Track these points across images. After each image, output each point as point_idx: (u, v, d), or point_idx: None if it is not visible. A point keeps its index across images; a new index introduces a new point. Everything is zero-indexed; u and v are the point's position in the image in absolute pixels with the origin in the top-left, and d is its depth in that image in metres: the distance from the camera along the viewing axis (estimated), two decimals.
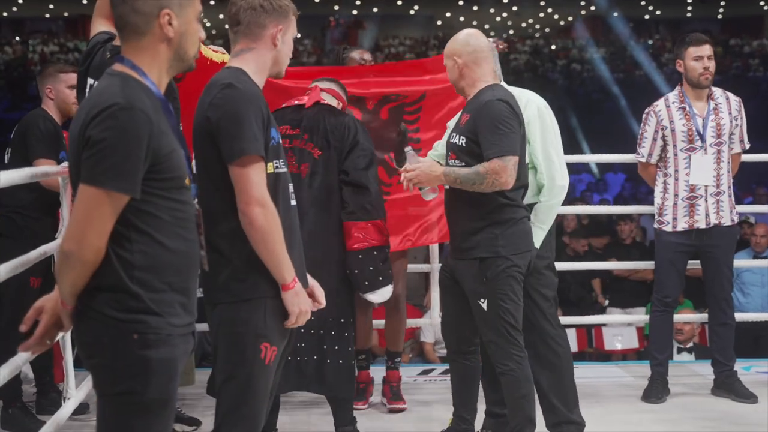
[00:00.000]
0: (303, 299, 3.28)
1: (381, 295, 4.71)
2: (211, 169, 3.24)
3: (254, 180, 3.14)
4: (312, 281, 3.52)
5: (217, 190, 3.23)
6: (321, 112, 4.75)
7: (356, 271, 4.59)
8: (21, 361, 3.87)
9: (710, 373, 5.81)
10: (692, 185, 5.54)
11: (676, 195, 5.59)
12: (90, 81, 4.33)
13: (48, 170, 4.44)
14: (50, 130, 5.29)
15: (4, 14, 39.72)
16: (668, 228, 5.62)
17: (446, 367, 6.53)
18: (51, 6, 38.51)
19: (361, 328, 5.42)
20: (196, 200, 2.97)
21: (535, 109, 4.65)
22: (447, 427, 4.74)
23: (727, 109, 5.62)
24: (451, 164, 4.40)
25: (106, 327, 2.59)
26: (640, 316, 8.37)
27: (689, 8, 39.60)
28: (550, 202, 4.65)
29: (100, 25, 4.54)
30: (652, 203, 5.80)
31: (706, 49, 5.57)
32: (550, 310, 4.74)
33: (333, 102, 4.87)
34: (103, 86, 2.65)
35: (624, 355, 8.89)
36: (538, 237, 4.63)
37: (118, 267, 2.58)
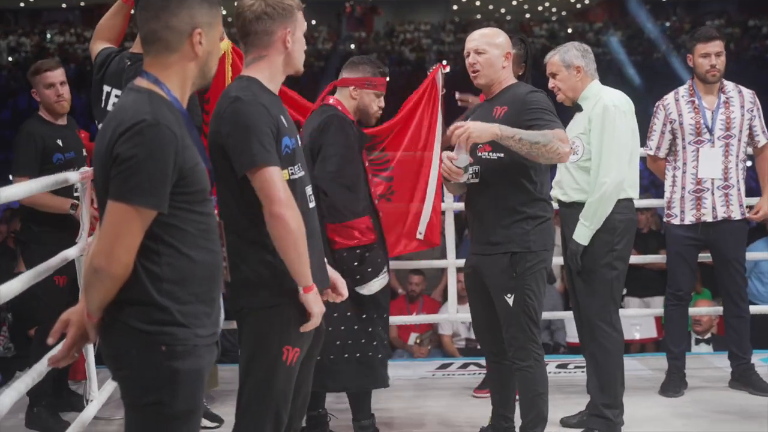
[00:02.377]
0: (320, 302, 3.38)
1: (369, 288, 4.72)
2: (227, 180, 3.33)
3: (277, 183, 3.22)
4: (333, 273, 3.65)
5: (235, 200, 3.33)
6: (314, 113, 4.79)
7: (344, 268, 4.61)
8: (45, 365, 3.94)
9: (728, 365, 5.84)
10: (699, 178, 5.56)
11: (683, 188, 5.61)
12: (107, 88, 4.37)
13: (54, 179, 4.46)
14: (29, 149, 5.32)
15: (21, 5, 39.86)
16: (676, 221, 5.65)
17: (464, 361, 6.63)
18: None
19: None
20: (217, 211, 3.04)
21: (601, 107, 4.80)
22: (487, 425, 4.79)
23: (739, 102, 5.62)
24: (483, 156, 4.40)
25: (133, 339, 2.64)
26: (657, 309, 8.41)
27: None
28: (590, 199, 4.78)
29: (101, 45, 4.59)
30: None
31: (714, 46, 5.58)
32: (602, 309, 4.84)
33: (343, 95, 4.84)
34: (128, 102, 2.69)
35: (642, 345, 8.91)
36: (582, 233, 4.79)
37: (145, 280, 2.63)
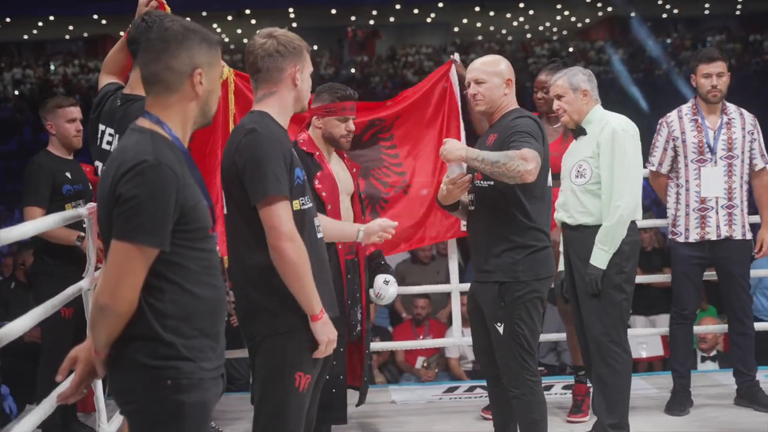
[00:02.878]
0: (330, 329, 3.47)
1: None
2: (241, 209, 3.45)
3: (281, 217, 3.35)
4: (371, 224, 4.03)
5: (249, 229, 3.44)
6: None
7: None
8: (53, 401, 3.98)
9: (734, 382, 5.85)
10: (703, 197, 5.60)
11: (687, 206, 5.64)
12: (101, 127, 4.47)
13: (69, 215, 4.52)
14: (39, 181, 5.47)
15: (25, 37, 40.10)
16: (681, 239, 5.68)
17: (472, 383, 6.65)
18: (70, 27, 38.85)
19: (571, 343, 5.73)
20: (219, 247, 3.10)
21: (609, 132, 4.87)
22: None
23: (741, 124, 5.68)
24: (476, 184, 4.48)
25: (140, 374, 2.70)
26: (663, 328, 8.43)
27: (707, 5, 39.52)
28: (606, 224, 4.84)
29: (108, 79, 4.69)
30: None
31: (715, 67, 5.64)
32: (611, 329, 4.89)
33: (312, 127, 4.92)
34: (130, 143, 2.76)
35: (650, 363, 8.92)
36: (600, 258, 4.85)
37: (150, 316, 2.69)
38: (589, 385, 5.60)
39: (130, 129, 2.83)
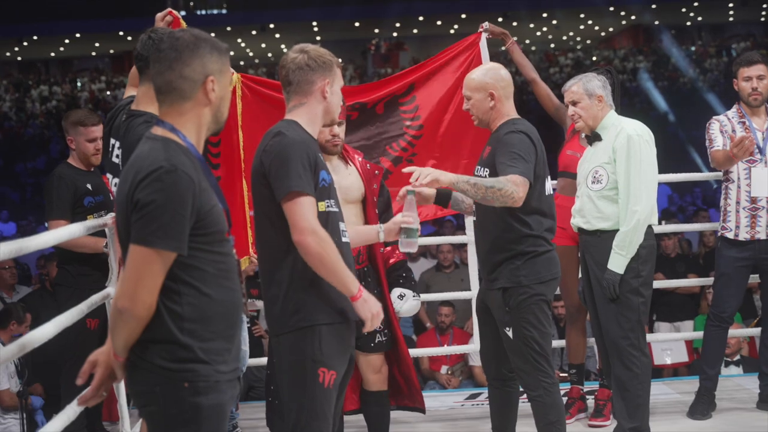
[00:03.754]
0: (372, 303, 3.55)
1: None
2: (267, 207, 3.56)
3: (303, 212, 3.45)
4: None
5: (273, 227, 3.56)
6: None
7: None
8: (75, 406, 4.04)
9: (756, 386, 5.84)
10: (753, 197, 5.60)
11: (738, 203, 5.64)
12: (112, 141, 4.52)
13: (92, 224, 4.59)
14: (63, 193, 5.55)
15: (52, 54, 40.46)
16: (731, 235, 5.66)
17: None
18: (97, 44, 39.17)
19: (576, 343, 5.78)
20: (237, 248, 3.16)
21: (624, 138, 4.90)
22: None
23: None
24: None
25: (157, 377, 2.76)
26: (687, 333, 8.45)
27: (731, 12, 39.31)
28: (624, 229, 4.86)
29: (131, 92, 4.77)
30: (696, 218, 5.84)
31: (756, 70, 5.66)
32: (630, 333, 4.91)
33: None
34: (146, 150, 2.82)
35: (675, 369, 8.90)
36: (618, 263, 4.87)
37: (168, 320, 2.75)
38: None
39: (146, 137, 2.89)
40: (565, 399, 5.89)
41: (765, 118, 5.71)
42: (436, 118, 5.87)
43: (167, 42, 2.89)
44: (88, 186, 5.62)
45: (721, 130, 5.70)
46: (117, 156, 4.45)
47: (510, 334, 4.47)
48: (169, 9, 4.92)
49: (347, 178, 4.88)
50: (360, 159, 5.01)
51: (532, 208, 4.43)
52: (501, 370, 4.70)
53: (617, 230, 4.90)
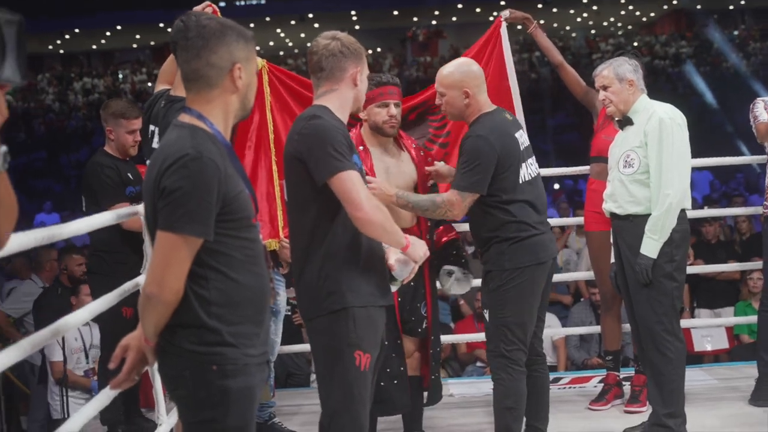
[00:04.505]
0: (420, 245, 3.66)
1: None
2: (301, 193, 3.61)
3: (356, 187, 3.49)
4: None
5: (307, 211, 3.59)
6: None
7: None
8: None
9: None
10: None
11: None
12: (151, 127, 4.61)
13: (124, 212, 4.64)
14: (112, 177, 5.55)
15: (93, 47, 40.82)
16: None
17: None
18: (138, 36, 39.48)
19: (611, 329, 5.81)
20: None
21: (656, 121, 4.87)
22: None
23: None
24: None
25: (186, 360, 2.78)
26: (727, 319, 8.41)
27: None
28: (656, 213, 4.84)
29: (161, 87, 4.82)
30: (739, 203, 5.79)
31: None
32: (664, 318, 4.89)
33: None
34: (173, 138, 2.84)
35: (716, 356, 8.83)
36: (650, 247, 4.85)
37: (196, 305, 2.77)
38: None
39: (173, 125, 2.92)
40: (601, 385, 5.89)
41: None
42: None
43: (194, 30, 2.90)
44: (129, 175, 5.64)
45: (766, 108, 5.64)
46: (157, 142, 4.50)
47: (487, 316, 4.59)
48: (208, 2, 4.93)
49: (401, 164, 4.91)
50: (414, 145, 5.04)
51: (512, 198, 4.51)
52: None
53: (650, 215, 4.87)
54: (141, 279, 4.56)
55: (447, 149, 5.64)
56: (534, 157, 4.68)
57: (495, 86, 5.60)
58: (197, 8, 4.84)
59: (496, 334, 4.55)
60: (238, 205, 2.81)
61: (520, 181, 4.53)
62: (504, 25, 5.86)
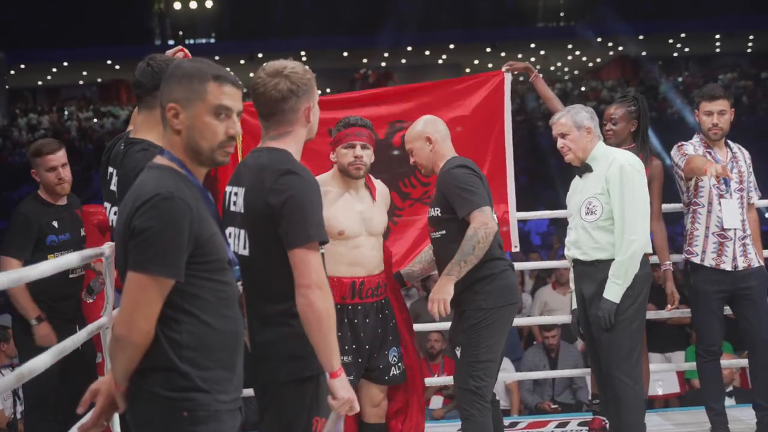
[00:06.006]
0: (348, 388, 3.28)
1: None
2: (269, 251, 3.31)
3: (314, 265, 3.23)
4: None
5: (275, 272, 3.31)
6: None
7: None
8: None
9: (750, 416, 5.80)
10: (725, 227, 5.54)
11: (707, 228, 5.59)
12: (110, 169, 4.41)
13: (88, 254, 4.51)
14: (21, 225, 5.38)
15: (39, 83, 40.41)
16: (697, 260, 5.60)
17: None
18: (84, 73, 39.15)
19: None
20: (240, 282, 3.11)
21: (617, 168, 4.92)
22: None
23: (743, 158, 5.72)
24: (432, 236, 4.84)
25: (156, 406, 2.73)
26: (679, 364, 8.47)
27: (717, 43, 39.58)
28: (620, 258, 4.88)
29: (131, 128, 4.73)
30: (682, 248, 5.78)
31: (717, 105, 5.62)
32: (623, 363, 4.92)
33: None
34: (145, 179, 2.81)
35: (666, 401, 8.86)
36: (614, 292, 4.89)
37: (167, 348, 2.72)
38: (603, 418, 5.61)
39: (147, 166, 2.89)
40: (585, 429, 5.88)
41: (726, 150, 5.68)
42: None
43: (156, 68, 2.92)
44: (54, 224, 5.42)
45: (695, 149, 5.63)
46: (115, 184, 4.37)
47: (458, 353, 4.69)
48: (180, 47, 4.87)
49: (374, 208, 4.81)
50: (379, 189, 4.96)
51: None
52: None
53: (613, 260, 4.91)
54: (102, 321, 4.48)
55: (428, 188, 5.66)
56: None
57: (492, 141, 5.84)
58: (169, 52, 4.77)
59: (467, 371, 4.63)
60: (211, 248, 2.77)
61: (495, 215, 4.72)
62: (508, 78, 5.86)
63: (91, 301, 5.49)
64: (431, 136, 4.77)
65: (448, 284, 4.49)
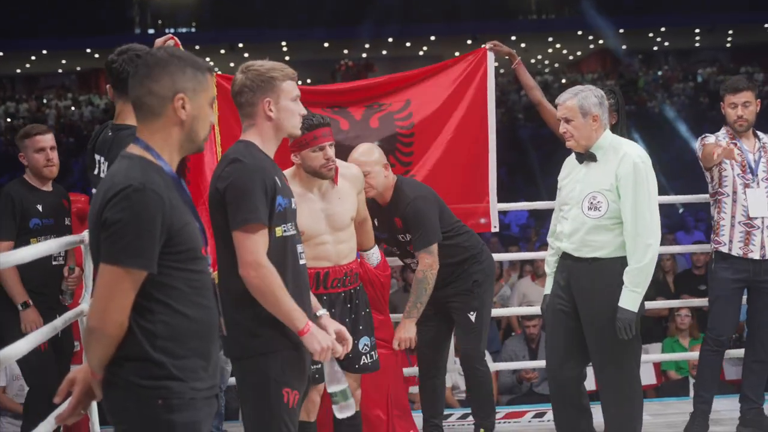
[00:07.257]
0: (322, 336, 3.55)
1: None
2: (224, 235, 3.54)
3: (248, 246, 3.46)
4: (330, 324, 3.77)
5: (229, 254, 3.53)
6: None
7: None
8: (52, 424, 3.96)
9: (730, 409, 5.84)
10: (751, 216, 5.55)
11: (733, 217, 5.59)
12: (97, 157, 4.43)
13: (70, 240, 4.50)
14: (6, 208, 5.38)
15: (18, 71, 40.17)
16: (725, 249, 5.60)
17: (464, 411, 6.63)
18: (63, 61, 38.96)
19: None
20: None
21: (630, 164, 4.64)
22: None
23: None
24: (400, 239, 5.21)
25: (131, 394, 2.72)
26: (655, 356, 8.48)
27: (697, 38, 39.74)
28: (638, 265, 4.60)
29: None
30: (669, 240, 5.81)
31: (741, 96, 5.65)
32: (624, 355, 4.86)
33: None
34: (117, 169, 2.80)
35: (643, 392, 8.87)
36: (633, 300, 4.63)
37: (141, 338, 2.71)
38: None
39: (120, 156, 2.87)
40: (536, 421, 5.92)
41: (754, 140, 5.70)
42: (430, 122, 5.81)
43: (143, 58, 2.89)
44: (38, 207, 5.42)
45: (717, 140, 5.64)
46: (103, 171, 4.36)
47: (473, 318, 5.31)
48: (171, 35, 4.84)
49: (341, 203, 4.71)
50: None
51: (456, 232, 5.33)
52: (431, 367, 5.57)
53: (611, 258, 4.68)
54: (81, 308, 4.45)
55: (409, 167, 5.69)
56: None
57: (474, 119, 5.82)
58: (159, 41, 4.75)
59: (478, 336, 5.31)
60: (184, 237, 2.76)
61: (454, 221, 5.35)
62: (491, 56, 5.88)
63: (68, 303, 5.48)
64: (387, 164, 5.09)
65: (411, 325, 5.11)
